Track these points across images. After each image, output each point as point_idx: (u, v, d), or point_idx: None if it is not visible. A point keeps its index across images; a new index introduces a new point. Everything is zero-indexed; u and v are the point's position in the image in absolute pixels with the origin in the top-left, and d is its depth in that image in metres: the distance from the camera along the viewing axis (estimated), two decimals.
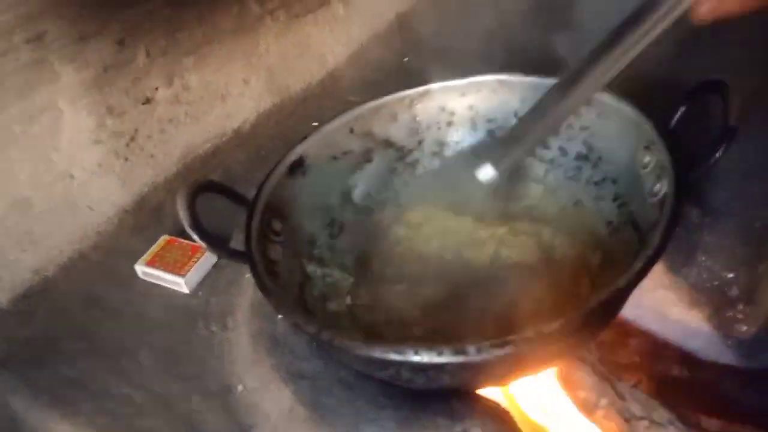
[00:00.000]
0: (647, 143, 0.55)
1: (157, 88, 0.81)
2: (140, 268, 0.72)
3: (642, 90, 0.59)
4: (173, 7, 0.80)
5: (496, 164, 0.56)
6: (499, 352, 0.41)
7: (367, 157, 0.69)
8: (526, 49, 0.74)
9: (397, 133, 0.70)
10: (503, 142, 0.61)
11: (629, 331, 0.65)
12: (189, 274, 0.70)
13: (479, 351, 0.41)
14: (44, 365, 0.65)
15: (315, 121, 0.91)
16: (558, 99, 0.56)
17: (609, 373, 0.60)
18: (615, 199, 0.60)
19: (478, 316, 0.59)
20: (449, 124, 0.70)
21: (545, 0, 0.99)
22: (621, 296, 0.45)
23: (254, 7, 0.90)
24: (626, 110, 0.58)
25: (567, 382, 0.58)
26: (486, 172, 0.56)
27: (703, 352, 0.62)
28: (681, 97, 0.56)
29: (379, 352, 0.43)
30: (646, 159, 0.55)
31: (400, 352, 0.43)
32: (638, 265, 0.44)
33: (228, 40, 0.88)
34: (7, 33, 0.65)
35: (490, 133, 0.69)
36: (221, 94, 0.89)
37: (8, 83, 0.67)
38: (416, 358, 0.42)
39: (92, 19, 0.72)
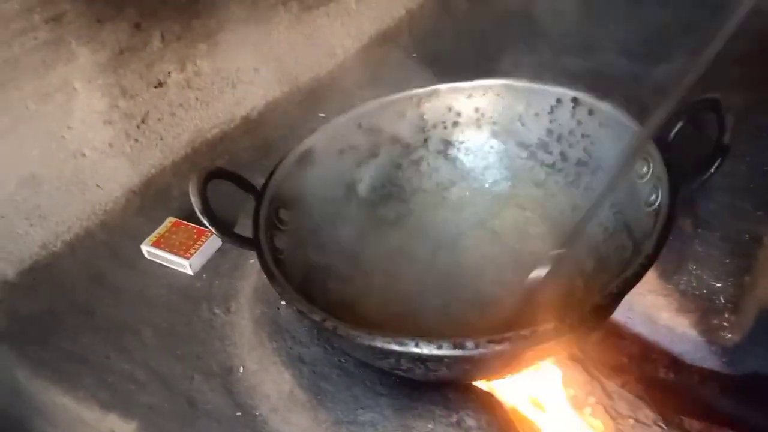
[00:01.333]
0: (645, 154, 0.57)
1: (169, 73, 0.82)
2: (146, 248, 0.74)
3: (642, 102, 0.61)
4: None
5: None
6: (495, 348, 0.43)
7: (373, 152, 0.71)
8: (535, 52, 0.76)
9: (404, 130, 0.71)
10: None
11: (619, 332, 0.67)
12: (194, 257, 0.72)
13: (477, 346, 0.43)
14: (47, 339, 0.67)
15: (321, 112, 0.93)
16: None
17: (598, 372, 0.62)
18: (612, 206, 0.62)
19: (475, 312, 0.61)
20: (455, 124, 0.72)
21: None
22: (614, 300, 0.47)
23: None
24: (626, 121, 0.60)
25: (558, 379, 0.60)
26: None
27: (689, 356, 0.65)
28: (679, 111, 0.58)
29: (380, 342, 0.45)
30: (644, 169, 0.57)
31: (401, 343, 0.45)
32: (631, 271, 0.46)
33: (241, 28, 0.89)
34: (27, 12, 0.66)
35: (494, 134, 0.71)
36: (232, 81, 0.90)
37: (25, 61, 0.68)
38: (416, 350, 0.44)
39: (110, 3, 0.73)
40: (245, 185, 0.62)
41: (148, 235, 0.74)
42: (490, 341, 0.43)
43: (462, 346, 0.44)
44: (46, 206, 0.74)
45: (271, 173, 0.63)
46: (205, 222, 0.55)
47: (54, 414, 0.65)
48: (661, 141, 0.56)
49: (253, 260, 0.71)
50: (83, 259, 0.75)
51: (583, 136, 0.65)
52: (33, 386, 0.65)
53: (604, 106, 0.62)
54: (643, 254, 0.47)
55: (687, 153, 0.55)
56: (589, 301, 0.44)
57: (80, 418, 0.62)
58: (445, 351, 0.44)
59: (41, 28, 0.68)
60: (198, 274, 0.72)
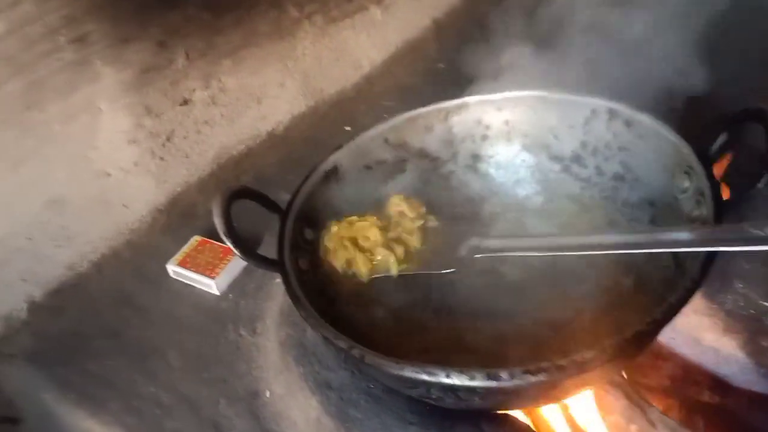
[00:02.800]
0: (686, 168, 0.54)
1: (194, 90, 0.82)
2: (171, 268, 0.73)
3: (682, 112, 0.59)
4: (213, 11, 0.80)
5: None
6: (531, 379, 0.41)
7: (400, 168, 0.69)
8: (566, 64, 0.73)
9: (432, 144, 0.70)
10: None
11: (661, 354, 0.64)
12: (219, 277, 0.71)
13: (512, 377, 0.41)
14: (73, 362, 0.67)
15: (348, 125, 0.92)
16: None
17: (639, 396, 0.60)
18: (651, 221, 0.59)
19: (507, 332, 0.59)
20: (484, 137, 0.70)
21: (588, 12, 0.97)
22: (657, 327, 0.44)
23: (293, 11, 0.90)
24: (666, 133, 0.57)
25: (597, 406, 0.58)
26: None
27: (735, 378, 0.61)
28: (722, 123, 0.55)
29: (409, 372, 0.43)
30: (685, 184, 0.54)
31: (430, 374, 0.43)
32: (676, 296, 0.43)
33: (265, 43, 0.88)
34: (52, 33, 0.66)
35: (526, 147, 0.69)
36: (257, 97, 0.89)
37: (50, 82, 0.68)
38: (447, 381, 0.42)
39: (134, 22, 0.73)
40: (270, 205, 0.61)
41: (174, 254, 0.74)
42: (526, 372, 0.41)
43: (496, 377, 0.41)
44: (72, 227, 0.73)
45: (296, 191, 0.61)
46: (229, 244, 0.54)
47: None
48: (703, 153, 0.53)
49: (278, 280, 0.69)
50: (109, 279, 0.75)
51: (619, 148, 0.62)
52: (60, 409, 0.65)
53: (643, 118, 0.59)
54: (688, 277, 0.44)
55: (732, 166, 0.53)
56: (630, 327, 0.42)
57: None
58: (478, 382, 0.42)
59: (66, 49, 0.68)
60: (224, 294, 0.71)
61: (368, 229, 0.63)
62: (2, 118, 0.65)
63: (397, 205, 0.66)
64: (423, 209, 0.66)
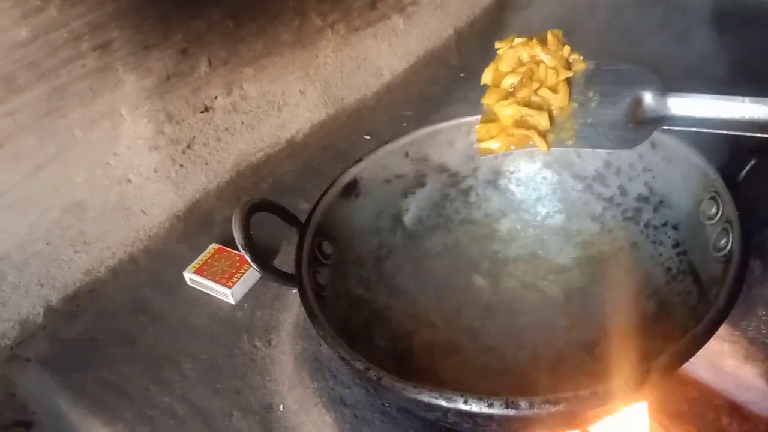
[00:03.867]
0: (713, 194, 0.53)
1: (216, 97, 0.82)
2: (188, 276, 0.73)
3: (713, 137, 0.58)
4: (236, 19, 0.80)
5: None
6: (551, 409, 0.41)
7: (420, 182, 0.68)
8: None
9: (453, 159, 0.69)
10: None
11: (680, 378, 0.63)
12: (236, 286, 0.70)
13: (531, 406, 0.40)
14: (88, 368, 0.67)
15: (367, 135, 0.91)
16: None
17: (657, 421, 0.59)
18: (675, 246, 0.58)
19: (525, 356, 0.58)
20: (506, 153, 0.69)
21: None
22: (681, 360, 0.43)
23: (316, 20, 0.90)
24: (693, 157, 0.56)
25: (615, 429, 0.57)
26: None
27: (756, 406, 0.60)
28: (751, 147, 0.54)
29: (427, 397, 0.43)
30: (712, 210, 0.53)
31: (448, 399, 0.42)
32: (701, 328, 0.42)
33: (287, 51, 0.88)
34: (75, 40, 0.66)
35: (547, 164, 0.68)
36: (277, 104, 0.89)
37: (73, 89, 0.68)
38: (465, 407, 0.42)
39: (158, 29, 0.73)
40: (288, 218, 0.60)
41: (191, 261, 0.73)
42: (546, 402, 0.40)
43: (515, 406, 0.41)
44: (90, 232, 0.73)
45: (315, 205, 0.61)
46: (248, 258, 0.54)
47: None
48: (730, 180, 0.52)
49: (295, 291, 0.69)
50: (126, 285, 0.75)
51: (644, 169, 0.61)
52: (73, 415, 0.65)
53: (668, 140, 0.58)
54: (714, 308, 0.43)
55: (757, 193, 0.52)
56: (656, 364, 0.41)
57: None
58: (496, 410, 0.41)
59: (89, 56, 0.68)
60: (239, 304, 0.71)
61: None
62: (24, 124, 0.65)
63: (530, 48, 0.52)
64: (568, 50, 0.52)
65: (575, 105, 0.52)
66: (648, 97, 0.50)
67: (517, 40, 0.52)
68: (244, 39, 0.82)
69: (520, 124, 0.50)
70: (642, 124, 0.49)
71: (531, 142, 0.50)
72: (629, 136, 0.49)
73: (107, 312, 0.72)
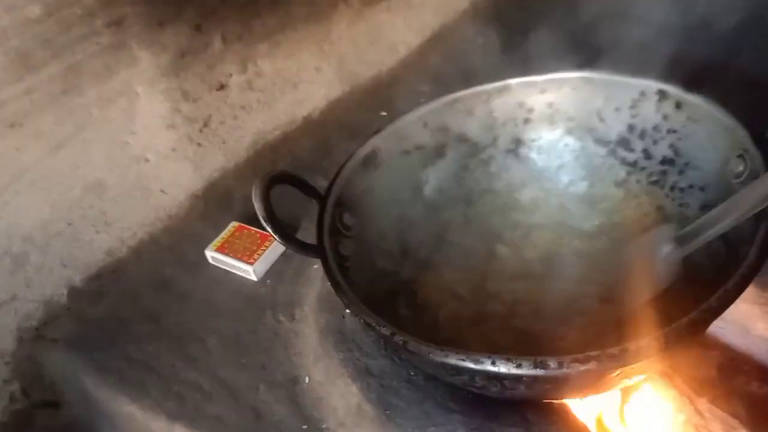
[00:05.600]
0: (741, 152, 0.52)
1: (231, 75, 0.81)
2: (210, 254, 0.73)
3: (736, 94, 0.56)
4: None
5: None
6: (580, 368, 0.40)
7: (439, 152, 0.68)
8: (612, 44, 0.71)
9: (472, 128, 0.68)
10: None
11: (709, 343, 0.62)
12: (257, 263, 0.70)
13: (560, 366, 0.40)
14: (114, 346, 0.67)
15: (383, 110, 0.91)
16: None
17: (687, 386, 0.58)
18: (702, 208, 0.57)
19: (552, 322, 0.58)
20: (526, 121, 0.68)
21: None
22: (712, 316, 0.42)
23: None
24: (719, 115, 0.55)
25: (644, 396, 0.56)
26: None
27: None
28: None
29: (454, 359, 0.43)
30: (740, 168, 0.52)
31: (476, 361, 0.42)
32: (732, 283, 0.41)
33: (301, 27, 0.87)
34: (89, 17, 0.66)
35: (569, 131, 0.67)
36: (293, 81, 0.89)
37: (88, 67, 0.68)
38: (493, 369, 0.41)
39: (170, 5, 0.72)
40: (309, 190, 0.60)
41: (212, 239, 0.73)
42: (575, 360, 0.40)
43: (544, 366, 0.40)
44: (111, 212, 0.73)
45: (335, 176, 0.60)
46: (269, 230, 0.54)
47: (121, 423, 0.65)
48: (759, 136, 0.51)
49: (316, 266, 0.69)
50: (148, 265, 0.75)
51: (668, 131, 0.60)
52: (100, 394, 0.65)
53: (695, 99, 0.57)
54: (745, 264, 0.42)
55: None
56: (685, 318, 0.40)
57: (147, 427, 0.61)
58: (525, 371, 0.41)
59: (103, 33, 0.67)
60: (262, 280, 0.71)
61: None
62: (41, 102, 0.65)
63: None
64: None
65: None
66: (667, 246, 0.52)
67: None
68: (257, 14, 0.81)
69: None
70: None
71: None
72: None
73: (131, 291, 0.72)
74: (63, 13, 0.64)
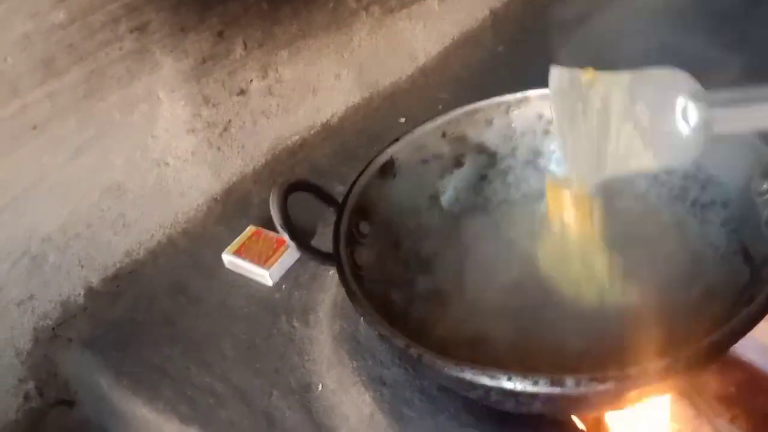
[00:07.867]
0: (765, 170, 0.51)
1: (251, 80, 0.81)
2: (227, 258, 0.73)
3: None
4: (270, 1, 0.80)
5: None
6: (597, 387, 0.40)
7: (457, 162, 0.67)
8: (633, 54, 0.70)
9: (491, 138, 0.68)
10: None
11: (728, 360, 0.61)
12: (273, 267, 0.70)
13: (578, 384, 0.40)
14: (129, 348, 0.67)
15: (402, 118, 0.91)
16: None
17: (705, 404, 0.57)
18: (724, 224, 0.56)
19: (565, 336, 0.57)
20: (546, 132, 0.67)
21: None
22: (734, 338, 0.42)
23: (351, 2, 0.90)
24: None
25: (661, 413, 0.56)
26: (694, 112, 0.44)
27: None
28: None
29: (469, 375, 0.42)
30: (764, 186, 0.51)
31: (492, 377, 0.42)
32: (756, 306, 0.41)
33: (322, 34, 0.88)
34: (113, 22, 0.67)
35: None
36: (313, 88, 0.89)
37: (111, 71, 0.68)
38: (509, 385, 0.41)
39: (193, 11, 0.73)
40: (326, 197, 0.60)
41: (229, 243, 0.74)
42: (593, 379, 0.39)
43: (560, 384, 0.40)
44: (129, 215, 0.74)
45: (353, 184, 0.61)
46: (286, 237, 0.54)
47: (134, 425, 0.65)
48: None
49: (332, 272, 0.69)
50: (165, 267, 0.76)
51: None
52: (115, 395, 0.65)
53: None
54: None
55: None
56: (706, 339, 0.40)
57: (160, 430, 0.62)
58: (541, 388, 0.40)
59: (126, 38, 0.68)
60: (277, 285, 0.71)
61: None
62: (64, 107, 0.66)
63: None
64: None
65: (629, 126, 0.49)
66: (692, 100, 0.46)
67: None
68: (279, 21, 0.82)
69: None
70: (694, 130, 0.46)
71: None
72: (689, 145, 0.47)
73: (147, 293, 0.73)
74: (87, 19, 0.65)
